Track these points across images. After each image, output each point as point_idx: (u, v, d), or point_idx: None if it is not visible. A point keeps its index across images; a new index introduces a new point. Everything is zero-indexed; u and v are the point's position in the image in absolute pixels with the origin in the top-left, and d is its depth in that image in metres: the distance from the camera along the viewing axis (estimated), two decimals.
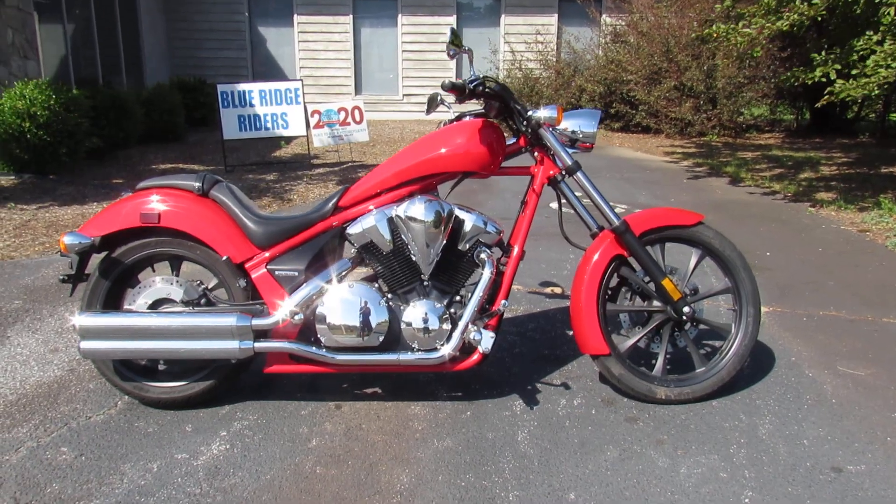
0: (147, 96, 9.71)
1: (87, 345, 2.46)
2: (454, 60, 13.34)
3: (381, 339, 2.52)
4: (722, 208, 6.42)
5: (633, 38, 12.14)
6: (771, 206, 6.53)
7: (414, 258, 2.55)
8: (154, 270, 2.74)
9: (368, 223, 2.54)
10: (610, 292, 2.81)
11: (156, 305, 2.59)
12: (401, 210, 2.51)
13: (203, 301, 2.59)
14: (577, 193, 2.78)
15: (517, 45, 12.95)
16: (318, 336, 2.52)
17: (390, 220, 2.53)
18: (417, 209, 2.50)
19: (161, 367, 2.73)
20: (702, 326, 2.81)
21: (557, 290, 4.06)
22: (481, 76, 2.50)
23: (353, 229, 2.55)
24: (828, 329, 3.50)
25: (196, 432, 2.50)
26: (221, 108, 7.77)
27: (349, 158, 8.86)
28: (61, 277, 2.57)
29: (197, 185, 2.59)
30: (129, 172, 7.73)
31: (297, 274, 2.54)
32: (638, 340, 2.75)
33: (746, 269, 2.75)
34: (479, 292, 2.54)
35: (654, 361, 2.76)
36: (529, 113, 2.60)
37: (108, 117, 8.45)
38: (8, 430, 2.50)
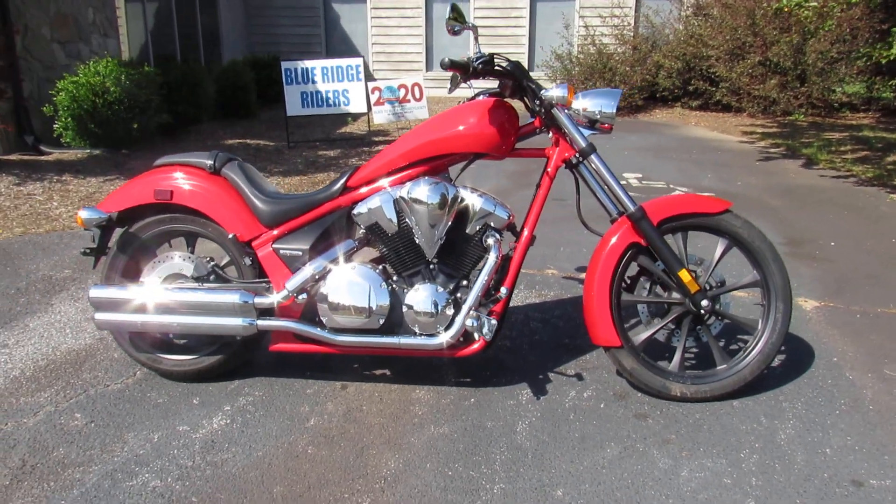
0: (220, 73, 9.98)
1: (101, 316, 2.54)
2: (526, 37, 13.09)
3: (382, 321, 2.50)
4: (790, 193, 6.04)
5: (717, 11, 11.53)
6: (846, 192, 6.09)
7: (418, 241, 2.50)
8: (171, 246, 2.80)
9: (374, 204, 2.50)
10: (629, 281, 2.69)
11: (169, 280, 2.65)
12: (405, 191, 2.46)
13: (212, 278, 2.63)
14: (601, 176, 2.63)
15: (592, 19, 12.54)
16: (320, 316, 2.52)
17: (396, 202, 2.49)
18: (421, 191, 2.44)
19: (180, 340, 2.79)
20: (728, 321, 2.64)
21: None
22: (488, 54, 2.40)
23: (358, 210, 2.53)
24: (883, 329, 3.24)
25: (202, 405, 2.56)
26: (285, 85, 7.90)
27: (385, 138, 8.86)
28: (83, 250, 2.67)
29: (209, 162, 2.62)
30: (198, 147, 7.98)
31: (300, 253, 2.54)
32: (654, 333, 2.62)
33: (777, 260, 2.56)
34: (484, 278, 2.47)
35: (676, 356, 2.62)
36: (542, 92, 2.49)
37: (181, 93, 8.74)
38: (32, 394, 2.63)
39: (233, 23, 12.75)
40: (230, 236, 2.56)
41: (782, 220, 5.15)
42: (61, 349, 2.99)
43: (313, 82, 7.86)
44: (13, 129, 6.91)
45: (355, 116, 9.92)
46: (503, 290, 2.50)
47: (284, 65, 7.89)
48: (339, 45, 13.55)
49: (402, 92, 7.93)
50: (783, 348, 3.01)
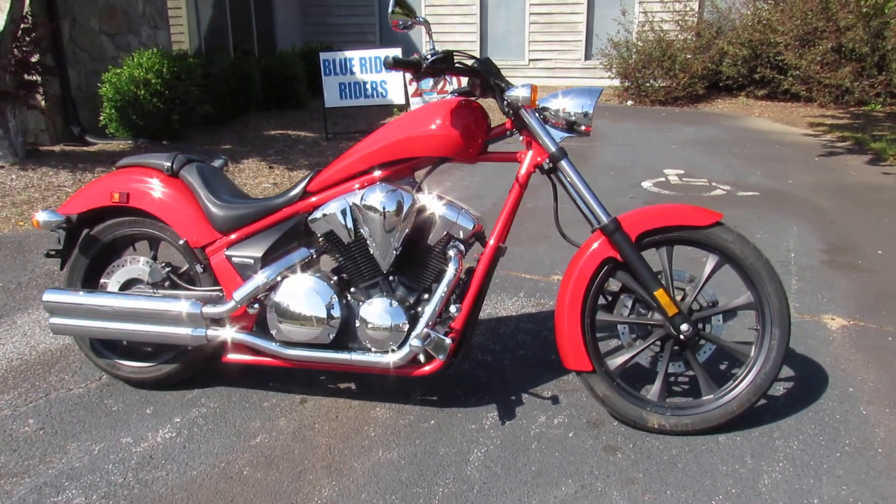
0: (269, 64, 10.03)
1: (55, 321, 2.50)
2: (583, 24, 12.64)
3: (333, 335, 2.36)
4: (846, 192, 5.56)
5: None
6: None
7: (372, 251, 2.34)
8: (135, 250, 2.74)
9: (329, 211, 2.36)
10: (610, 298, 2.46)
11: (128, 285, 2.59)
12: (359, 198, 2.31)
13: (167, 284, 2.55)
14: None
15: (652, 4, 11.99)
16: (271, 328, 2.40)
17: (352, 209, 2.34)
18: (375, 198, 2.28)
19: (142, 347, 2.73)
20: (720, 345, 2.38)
21: None
22: (443, 51, 2.21)
23: (314, 217, 2.39)
24: None
25: (153, 416, 2.48)
26: (324, 76, 7.84)
27: None
28: (47, 252, 2.63)
29: (167, 164, 2.53)
30: (239, 138, 8.04)
31: (252, 261, 2.42)
32: (632, 358, 2.38)
33: (774, 280, 2.27)
34: (441, 293, 2.29)
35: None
36: (507, 92, 2.28)
37: (228, 84, 8.82)
38: None
39: (287, 14, 12.83)
40: (181, 242, 2.46)
41: (828, 223, 4.73)
42: (39, 349, 2.98)
43: (351, 73, 7.78)
44: (54, 120, 7.09)
45: (400, 107, 9.80)
46: (453, 308, 2.31)
47: (323, 56, 7.83)
48: (392, 33, 13.44)
49: (441, 83, 7.73)
50: (792, 374, 2.71)
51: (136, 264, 2.57)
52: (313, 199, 2.42)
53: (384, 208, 2.27)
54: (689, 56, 11.11)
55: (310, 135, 8.36)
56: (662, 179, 5.99)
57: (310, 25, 13.53)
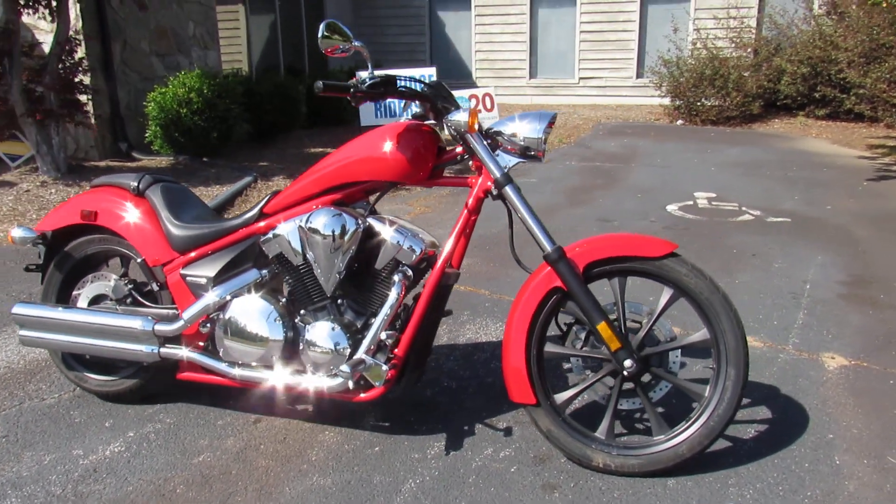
0: (308, 83, 10.25)
1: (23, 333, 2.59)
2: (635, 42, 12.44)
3: (276, 357, 2.35)
4: (888, 221, 5.24)
5: (855, 9, 10.35)
6: None
7: (317, 275, 2.33)
8: (108, 266, 2.82)
9: (278, 233, 2.37)
10: (565, 328, 2.38)
11: (97, 300, 2.66)
12: (304, 221, 2.31)
13: (129, 301, 2.61)
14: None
15: (706, 21, 11.69)
16: (218, 348, 2.42)
17: (299, 231, 2.34)
18: (319, 221, 2.28)
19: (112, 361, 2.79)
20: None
21: None
22: (381, 75, 2.19)
23: (265, 238, 2.40)
24: None
25: (110, 429, 2.54)
26: None
27: None
28: (27, 266, 2.74)
29: (133, 184, 2.60)
30: (278, 156, 8.23)
31: (205, 281, 2.46)
32: (579, 393, 2.29)
33: (730, 316, 2.15)
34: (380, 318, 2.26)
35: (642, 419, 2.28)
36: (447, 117, 2.25)
37: (272, 103, 9.06)
38: None
39: None
40: (139, 260, 2.52)
41: (858, 254, 4.46)
42: (27, 358, 3.10)
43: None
44: (103, 137, 7.43)
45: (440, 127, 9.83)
46: (395, 334, 2.27)
47: (358, 75, 7.93)
48: (443, 52, 13.57)
49: (473, 102, 7.74)
50: (768, 416, 2.55)
51: (104, 280, 2.65)
52: (267, 221, 2.43)
53: (327, 231, 2.26)
54: (744, 74, 10.75)
55: None
56: (690, 203, 5.80)
57: (363, 44, 13.76)
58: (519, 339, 2.24)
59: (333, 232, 2.26)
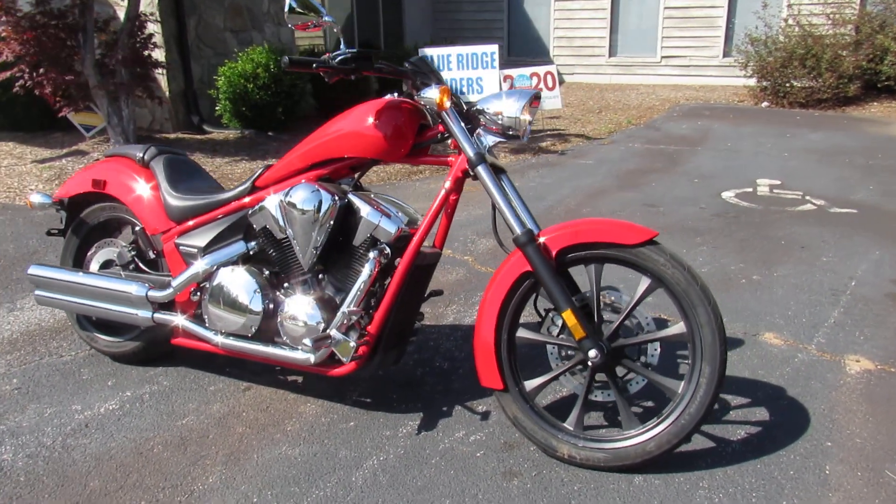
0: (383, 59, 10.31)
1: (38, 293, 2.76)
2: (723, 18, 11.81)
3: (255, 328, 2.41)
4: None
5: None
6: None
7: (295, 249, 2.36)
8: (120, 232, 2.95)
9: (264, 206, 2.41)
10: (545, 314, 2.31)
11: (107, 265, 2.80)
12: (284, 195, 2.34)
13: (132, 267, 2.73)
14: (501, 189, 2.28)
15: None
16: (204, 316, 2.50)
17: (280, 206, 2.37)
18: (297, 196, 2.30)
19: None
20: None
21: None
22: (353, 50, 2.16)
23: (252, 212, 2.45)
24: None
25: (111, 387, 2.68)
26: None
27: (541, 126, 8.45)
28: (48, 231, 2.91)
29: (140, 155, 2.70)
30: None
31: (195, 251, 2.53)
32: (549, 381, 2.23)
33: (708, 310, 2.03)
34: (352, 295, 2.27)
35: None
36: (420, 93, 2.21)
37: (339, 79, 9.18)
38: (2, 355, 2.94)
39: (417, 11, 13.11)
40: (138, 227, 2.62)
41: None
42: (57, 317, 3.29)
43: (448, 69, 7.81)
44: (176, 110, 7.75)
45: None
46: (343, 311, 2.25)
47: (421, 52, 7.93)
48: (520, 30, 13.34)
49: (534, 81, 7.58)
50: (765, 418, 2.41)
51: (112, 247, 2.78)
52: (256, 195, 2.48)
53: (303, 207, 2.28)
54: (841, 53, 10.01)
55: None
56: (749, 190, 5.49)
57: (439, 22, 13.74)
58: (489, 323, 2.20)
59: (309, 207, 2.27)
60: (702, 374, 2.04)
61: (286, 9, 2.09)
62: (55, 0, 6.09)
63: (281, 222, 2.37)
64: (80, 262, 2.86)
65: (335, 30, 2.19)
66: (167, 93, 7.70)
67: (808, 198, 5.23)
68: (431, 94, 2.16)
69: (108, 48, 6.38)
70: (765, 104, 10.45)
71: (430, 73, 2.28)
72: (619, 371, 2.18)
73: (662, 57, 12.41)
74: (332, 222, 2.29)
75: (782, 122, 8.86)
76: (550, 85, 7.53)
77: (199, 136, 7.69)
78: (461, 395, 2.59)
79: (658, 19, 12.30)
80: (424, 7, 13.45)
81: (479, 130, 2.27)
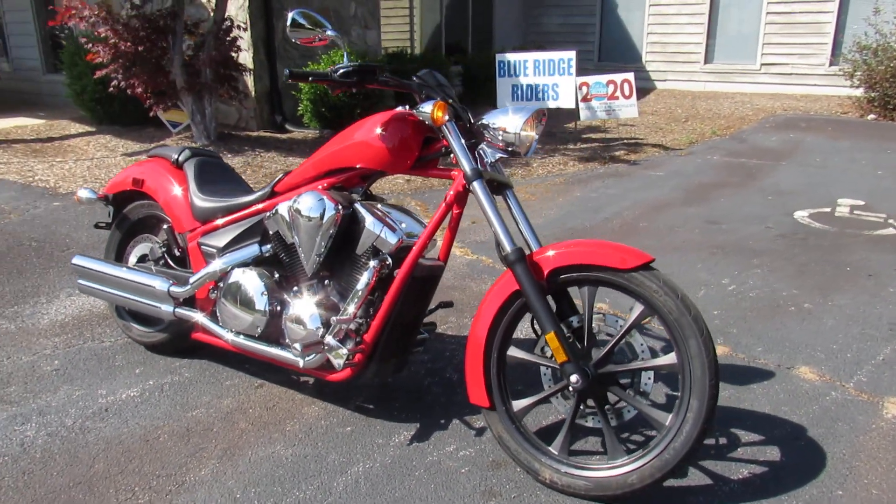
0: (466, 63, 10.37)
1: (80, 281, 2.96)
2: (831, 24, 11.11)
3: (261, 328, 2.49)
4: None
5: None
6: None
7: (300, 255, 2.42)
8: (158, 229, 3.10)
9: (276, 212, 2.49)
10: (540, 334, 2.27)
11: (142, 260, 2.97)
12: (292, 202, 2.41)
13: (161, 263, 2.88)
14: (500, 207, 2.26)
15: None
16: (217, 313, 2.60)
17: (289, 212, 2.44)
18: (303, 203, 2.36)
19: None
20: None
21: None
22: (356, 64, 2.19)
23: (267, 216, 2.53)
24: None
25: (138, 375, 2.84)
26: (498, 78, 7.92)
27: (617, 135, 8.23)
28: (96, 223, 3.12)
29: (175, 156, 2.85)
30: None
31: (215, 251, 2.65)
32: (537, 402, 2.18)
33: (700, 343, 1.93)
34: (351, 303, 2.31)
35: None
36: (418, 107, 2.21)
37: None
38: (50, 337, 3.18)
39: (507, 14, 13.08)
40: (166, 226, 2.77)
41: None
42: (105, 304, 3.51)
43: (525, 75, 7.75)
44: (261, 109, 8.09)
45: (570, 112, 9.55)
46: (333, 318, 2.29)
47: (499, 57, 7.92)
48: (612, 35, 13.06)
49: (611, 88, 7.40)
50: (775, 459, 2.27)
51: (148, 242, 2.95)
52: (273, 200, 2.56)
53: (307, 214, 2.34)
54: None
55: None
56: (826, 210, 5.15)
57: (531, 25, 13.65)
58: (479, 340, 2.18)
59: (313, 215, 2.33)
60: (689, 409, 1.94)
61: (288, 23, 2.15)
62: (148, 5, 6.50)
63: (289, 228, 2.44)
64: (121, 255, 3.05)
65: (338, 43, 2.22)
66: (253, 92, 8.06)
67: (891, 221, 4.85)
68: (426, 108, 2.16)
69: (196, 50, 6.74)
70: (871, 117, 9.77)
71: (436, 87, 2.28)
72: (614, 398, 2.11)
73: (762, 64, 11.83)
74: (334, 230, 2.33)
75: (886, 136, 8.25)
76: (627, 93, 7.33)
77: (280, 135, 8.00)
78: (462, 408, 2.57)
79: (759, 24, 11.74)
80: (515, 11, 13.40)
81: (483, 146, 2.26)
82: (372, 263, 2.30)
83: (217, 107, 8.01)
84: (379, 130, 2.29)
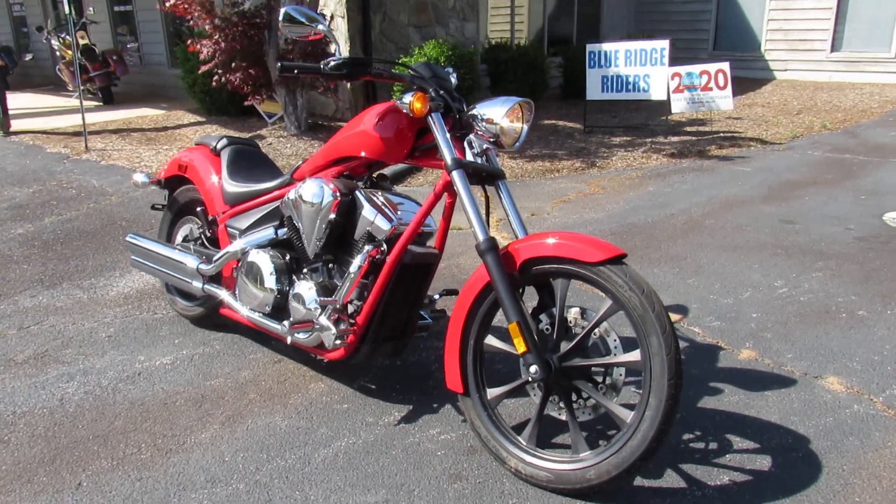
0: (569, 54, 10.21)
1: (133, 257, 3.26)
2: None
3: (269, 306, 2.65)
4: None
5: None
6: None
7: (303, 238, 2.56)
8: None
9: (288, 197, 2.64)
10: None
11: (186, 239, 3.23)
12: (297, 189, 2.54)
13: (199, 243, 3.11)
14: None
15: None
16: (236, 290, 2.79)
17: (295, 198, 2.58)
18: (305, 189, 2.49)
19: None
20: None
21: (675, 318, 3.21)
22: (347, 57, 2.27)
23: (282, 202, 2.69)
24: None
25: (176, 345, 3.09)
26: (588, 68, 7.77)
27: (715, 128, 7.82)
28: (153, 205, 3.42)
29: (213, 144, 3.07)
30: None
31: (237, 233, 2.84)
32: (509, 391, 2.20)
33: (663, 341, 1.89)
34: (343, 286, 2.42)
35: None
36: (399, 99, 2.27)
37: (515, 73, 9.30)
38: (113, 307, 3.52)
39: (617, 4, 12.71)
40: (199, 209, 2.99)
41: None
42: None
43: (615, 66, 7.56)
44: (356, 100, 8.39)
45: (661, 104, 9.16)
46: (307, 302, 2.40)
47: (589, 47, 7.75)
48: (730, 22, 12.39)
49: (704, 79, 7.06)
50: (765, 467, 2.16)
51: (191, 223, 3.20)
52: (288, 186, 2.72)
53: (307, 200, 2.47)
54: None
55: (570, 125, 8.38)
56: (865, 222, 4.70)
57: (642, 14, 13.21)
58: (456, 327, 2.23)
59: (314, 201, 2.45)
60: (649, 408, 1.90)
61: (281, 18, 2.26)
62: (249, 2, 6.92)
63: (295, 213, 2.58)
64: (171, 235, 3.32)
65: (326, 39, 2.31)
66: (348, 84, 8.35)
67: None
68: (406, 99, 2.22)
69: (291, 44, 7.10)
70: None
71: (429, 79, 2.33)
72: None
73: None
74: (333, 216, 2.45)
75: None
76: (722, 84, 6.97)
77: None
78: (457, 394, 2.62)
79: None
80: (625, 1, 13.01)
81: (471, 136, 2.29)
82: (366, 248, 2.40)
83: (315, 98, 8.41)
84: (376, 121, 2.38)
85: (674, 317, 3.22)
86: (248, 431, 2.43)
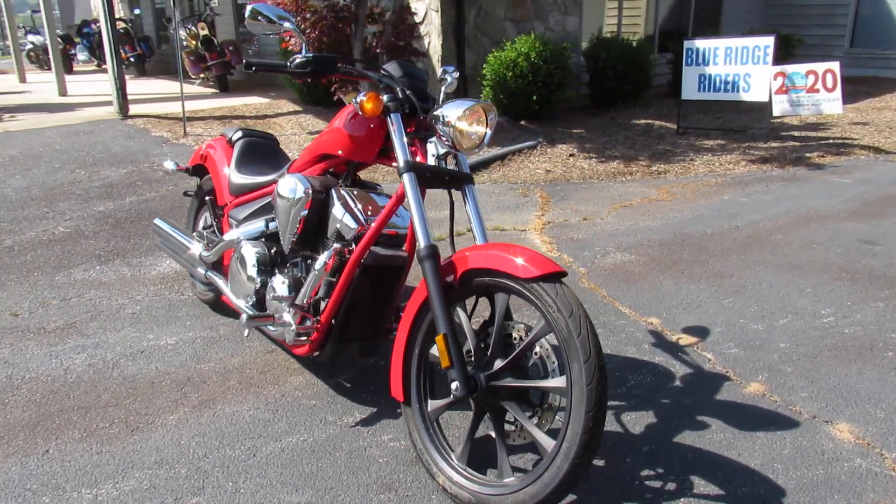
0: (679, 50, 9.67)
1: (158, 241, 3.43)
2: None
3: (251, 298, 2.70)
4: None
5: None
6: None
7: (280, 232, 2.58)
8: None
9: (274, 192, 2.67)
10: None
11: (205, 227, 3.36)
12: (278, 183, 2.57)
13: (211, 230, 3.22)
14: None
15: None
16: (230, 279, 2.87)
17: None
18: (282, 184, 2.52)
19: None
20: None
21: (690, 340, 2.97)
22: (311, 55, 2.24)
23: (273, 196, 2.73)
24: None
25: (186, 327, 3.23)
26: (684, 66, 7.32)
27: (824, 134, 7.12)
28: (185, 192, 3.59)
29: (229, 136, 3.17)
30: (599, 125, 8.17)
31: (235, 224, 2.91)
32: (447, 405, 2.11)
33: (585, 367, 1.75)
34: (307, 283, 2.42)
35: None
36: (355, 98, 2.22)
37: (615, 70, 8.94)
38: (149, 285, 3.73)
39: None
40: (208, 199, 3.10)
41: None
42: None
43: (714, 64, 7.07)
44: None
45: (761, 106, 8.43)
46: (303, 295, 2.39)
47: (686, 44, 7.31)
48: (871, 15, 11.28)
49: (811, 79, 6.44)
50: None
51: (208, 212, 3.32)
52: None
53: (283, 195, 2.49)
54: None
55: (669, 126, 7.94)
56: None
57: (770, 7, 12.28)
58: (402, 335, 2.17)
59: (288, 196, 2.47)
60: (566, 439, 1.76)
61: (247, 14, 2.27)
62: None
63: (276, 207, 2.61)
64: (195, 222, 3.47)
65: (291, 37, 2.29)
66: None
67: None
68: (359, 98, 2.17)
69: (377, 37, 7.21)
70: None
71: (398, 79, 2.27)
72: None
73: None
74: (305, 212, 2.45)
75: None
76: (830, 85, 6.35)
77: None
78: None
79: None
80: None
81: (433, 139, 2.21)
82: (334, 246, 2.38)
83: None
84: (347, 119, 2.35)
85: (688, 340, 2.97)
86: (214, 418, 2.49)
